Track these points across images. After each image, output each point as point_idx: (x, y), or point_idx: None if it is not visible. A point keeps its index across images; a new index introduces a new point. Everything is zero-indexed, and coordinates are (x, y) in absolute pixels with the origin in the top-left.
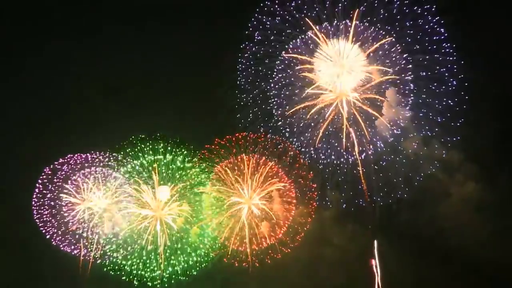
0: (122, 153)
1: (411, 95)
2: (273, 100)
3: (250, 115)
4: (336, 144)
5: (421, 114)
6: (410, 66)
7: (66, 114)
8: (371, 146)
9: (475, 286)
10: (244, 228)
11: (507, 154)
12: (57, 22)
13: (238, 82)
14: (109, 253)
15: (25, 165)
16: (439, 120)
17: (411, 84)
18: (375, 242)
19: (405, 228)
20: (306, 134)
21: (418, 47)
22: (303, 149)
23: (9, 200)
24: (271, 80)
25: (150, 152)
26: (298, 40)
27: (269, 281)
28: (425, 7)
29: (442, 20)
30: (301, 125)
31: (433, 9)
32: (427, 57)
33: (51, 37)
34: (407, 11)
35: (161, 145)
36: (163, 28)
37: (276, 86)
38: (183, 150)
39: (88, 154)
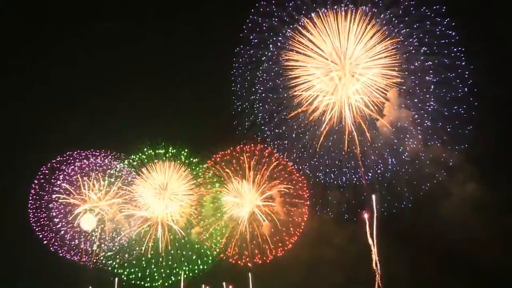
0: (122, 154)
1: (417, 101)
2: (259, 106)
3: (247, 123)
4: (338, 162)
5: (429, 123)
6: (417, 70)
7: (65, 114)
8: (379, 161)
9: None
10: (245, 235)
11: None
12: (58, 22)
13: (233, 88)
14: (104, 261)
15: (21, 165)
16: (448, 128)
17: (418, 90)
18: (373, 196)
19: (406, 229)
20: (300, 145)
21: (426, 50)
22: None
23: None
24: (261, 86)
25: (150, 150)
26: (292, 38)
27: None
28: (434, 7)
29: (452, 22)
30: (294, 134)
31: (443, 10)
32: (436, 61)
33: (51, 37)
34: (413, 12)
35: (162, 144)
36: (162, 30)
37: (267, 91)
38: (186, 148)
39: (87, 152)
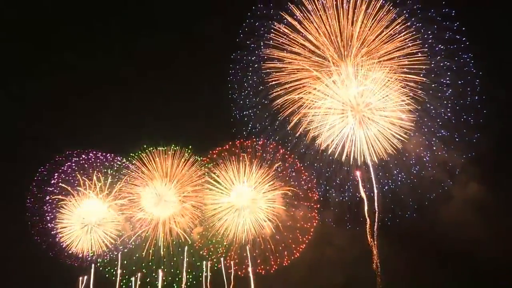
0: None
1: (423, 106)
2: (255, 113)
3: (244, 132)
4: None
5: (439, 134)
6: (424, 74)
7: (65, 114)
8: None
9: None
10: (246, 241)
11: None
12: (58, 22)
13: (230, 96)
14: (102, 266)
15: (21, 164)
16: (456, 137)
17: (426, 100)
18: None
19: (407, 230)
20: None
21: (433, 54)
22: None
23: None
24: (259, 92)
25: (151, 148)
26: (291, 39)
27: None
28: (443, 10)
29: (462, 27)
30: (293, 142)
31: (453, 13)
32: (444, 66)
33: (51, 37)
34: (420, 15)
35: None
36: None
37: (264, 96)
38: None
39: (87, 151)
